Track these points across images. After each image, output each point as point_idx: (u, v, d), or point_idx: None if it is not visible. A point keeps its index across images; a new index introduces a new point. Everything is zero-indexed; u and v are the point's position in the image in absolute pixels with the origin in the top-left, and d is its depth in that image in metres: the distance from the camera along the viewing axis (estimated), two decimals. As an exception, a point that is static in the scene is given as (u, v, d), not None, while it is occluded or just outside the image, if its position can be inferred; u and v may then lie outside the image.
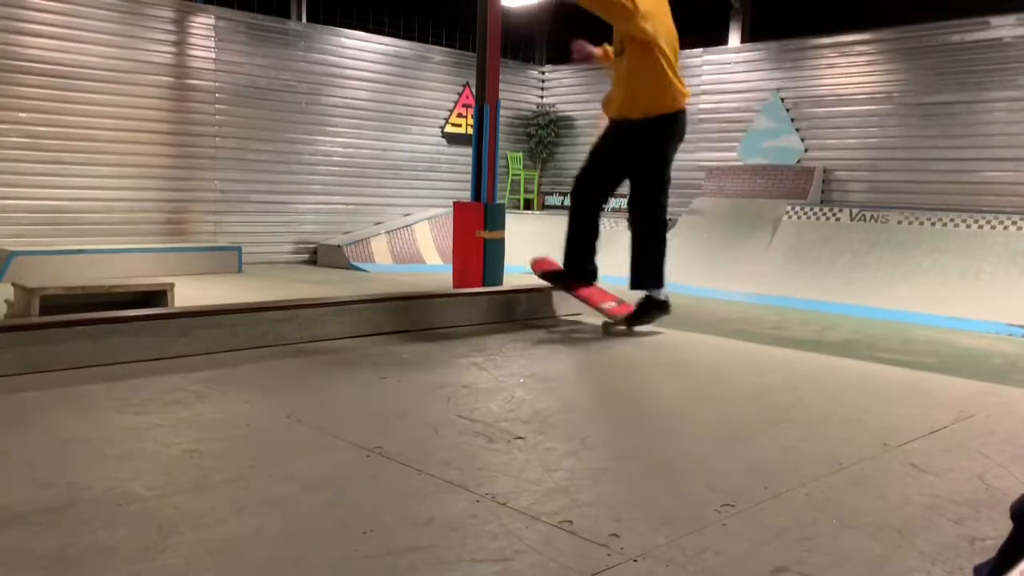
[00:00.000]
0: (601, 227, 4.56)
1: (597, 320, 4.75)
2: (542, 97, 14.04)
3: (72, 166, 9.06)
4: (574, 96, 13.66)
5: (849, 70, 10.69)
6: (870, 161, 10.52)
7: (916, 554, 1.67)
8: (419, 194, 12.24)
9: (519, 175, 13.33)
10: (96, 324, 3.15)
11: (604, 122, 4.55)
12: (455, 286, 7.48)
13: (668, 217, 4.44)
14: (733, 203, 11.07)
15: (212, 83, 10.10)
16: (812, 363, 3.82)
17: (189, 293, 6.42)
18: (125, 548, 1.58)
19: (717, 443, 2.39)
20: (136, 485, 1.90)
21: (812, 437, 2.49)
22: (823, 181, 10.88)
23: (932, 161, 10.01)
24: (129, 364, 3.12)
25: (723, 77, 11.98)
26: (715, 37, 12.40)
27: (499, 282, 7.31)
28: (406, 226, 11.63)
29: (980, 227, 8.54)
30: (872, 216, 9.40)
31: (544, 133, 13.61)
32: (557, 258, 4.69)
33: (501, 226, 7.72)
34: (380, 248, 11.16)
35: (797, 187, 10.80)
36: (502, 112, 8.26)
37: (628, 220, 4.40)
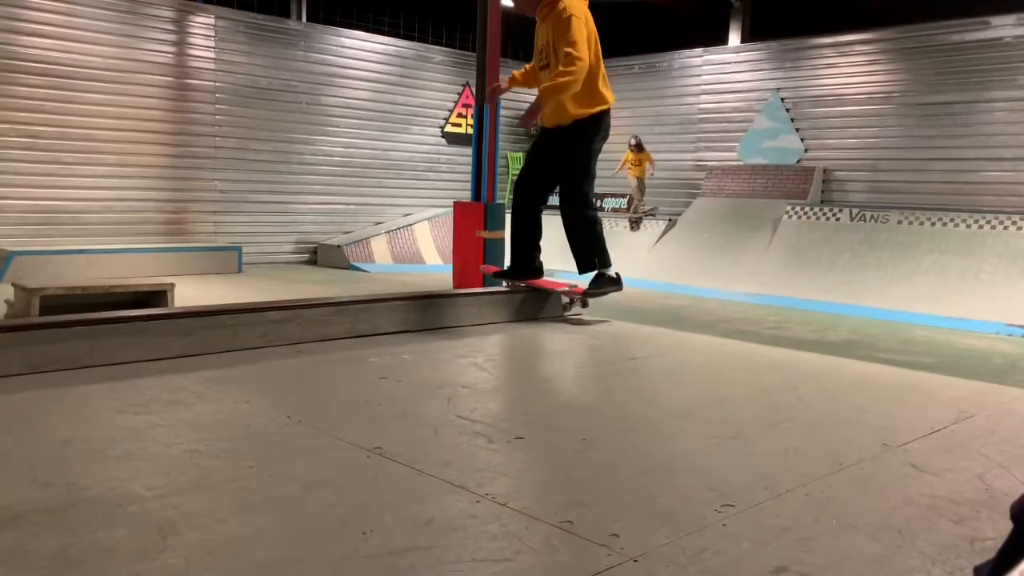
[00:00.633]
0: (543, 225, 4.88)
1: (598, 320, 4.75)
2: (542, 97, 14.02)
3: (72, 166, 9.06)
4: (574, 96, 13.65)
5: (849, 70, 10.70)
6: (870, 161, 10.52)
7: (916, 554, 1.67)
8: (419, 194, 12.24)
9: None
10: (96, 324, 3.15)
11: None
12: (455, 286, 7.48)
13: (595, 205, 4.94)
14: (733, 203, 11.07)
15: (212, 83, 10.10)
16: (812, 363, 3.82)
17: (189, 293, 6.42)
18: (125, 548, 1.58)
19: (717, 443, 2.39)
20: (136, 485, 1.90)
21: (812, 437, 2.49)
22: (823, 181, 10.88)
23: (932, 161, 10.01)
24: (129, 364, 3.12)
25: (723, 77, 11.98)
26: (715, 37, 12.41)
27: (499, 282, 7.31)
28: (406, 226, 11.63)
29: (980, 227, 8.54)
30: (872, 216, 9.40)
31: (544, 133, 13.59)
32: (555, 260, 4.75)
33: (501, 226, 7.71)
34: (380, 248, 11.16)
35: (797, 187, 10.80)
36: (502, 112, 8.26)
37: (562, 213, 4.72)
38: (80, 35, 9.02)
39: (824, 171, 10.89)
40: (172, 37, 9.75)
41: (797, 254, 9.63)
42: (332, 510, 1.80)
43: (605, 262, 4.68)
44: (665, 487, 2.01)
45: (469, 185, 8.48)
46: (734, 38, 12.13)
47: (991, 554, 1.23)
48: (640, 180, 11.78)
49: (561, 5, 4.39)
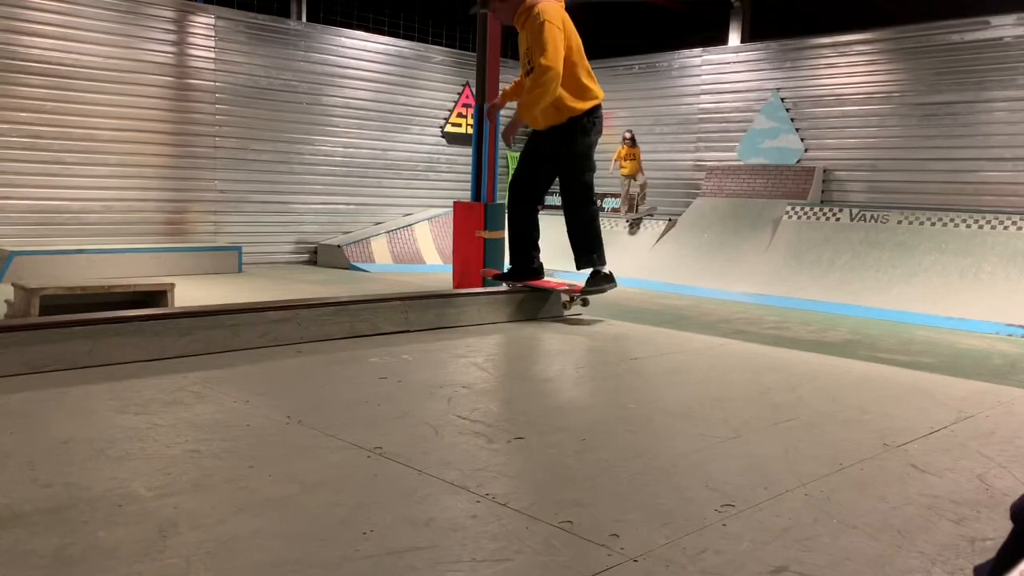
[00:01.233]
0: (541, 226, 4.91)
1: (598, 320, 4.75)
2: (542, 97, 14.03)
3: (72, 166, 9.06)
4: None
5: (849, 70, 10.70)
6: (870, 161, 10.52)
7: (916, 554, 1.67)
8: (419, 194, 12.24)
9: (519, 175, 13.33)
10: (96, 324, 3.15)
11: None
12: (455, 286, 7.48)
13: (596, 200, 4.97)
14: (733, 203, 11.07)
15: (212, 83, 10.10)
16: (812, 363, 3.82)
17: (189, 293, 6.42)
18: (125, 548, 1.58)
19: (717, 443, 2.39)
20: (136, 485, 1.90)
21: (812, 437, 2.49)
22: (823, 181, 10.88)
23: (932, 161, 10.01)
24: (129, 364, 3.12)
25: (723, 77, 11.98)
26: (715, 37, 12.41)
27: (499, 282, 7.30)
28: (406, 226, 11.63)
29: (980, 227, 8.54)
30: (872, 216, 9.40)
31: (544, 133, 13.59)
32: (555, 261, 4.75)
33: (501, 226, 7.71)
34: (380, 248, 11.16)
35: (797, 187, 10.80)
36: (502, 112, 8.25)
37: (564, 206, 4.76)
38: (80, 35, 9.02)
39: (824, 171, 10.90)
40: (172, 37, 9.75)
41: (797, 254, 9.63)
42: (332, 510, 1.80)
43: (601, 260, 4.72)
44: (665, 487, 2.01)
45: (469, 185, 8.48)
46: (734, 38, 12.14)
47: (991, 554, 1.23)
48: (636, 179, 11.79)
49: (536, 10, 4.42)
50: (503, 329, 4.37)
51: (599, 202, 12.64)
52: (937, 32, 9.94)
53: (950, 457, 2.31)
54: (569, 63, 4.44)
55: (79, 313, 3.42)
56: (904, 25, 10.28)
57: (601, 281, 4.73)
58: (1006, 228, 8.36)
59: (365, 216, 11.68)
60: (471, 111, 12.09)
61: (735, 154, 11.80)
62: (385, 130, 11.82)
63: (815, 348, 5.56)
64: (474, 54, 8.42)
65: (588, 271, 4.76)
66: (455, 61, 12.53)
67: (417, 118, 12.17)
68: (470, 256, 7.65)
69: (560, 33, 4.40)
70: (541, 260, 4.90)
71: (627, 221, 11.68)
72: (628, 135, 11.70)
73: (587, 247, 4.70)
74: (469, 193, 8.32)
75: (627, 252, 10.77)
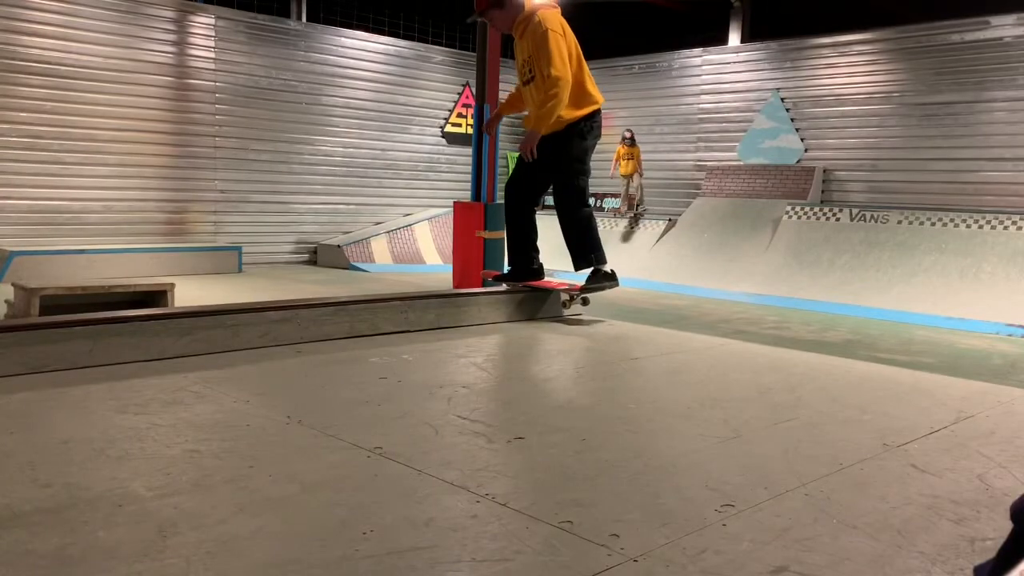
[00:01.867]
0: (539, 226, 4.90)
1: (598, 320, 4.75)
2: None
3: (72, 166, 9.06)
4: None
5: (849, 70, 10.70)
6: (870, 161, 10.52)
7: (916, 554, 1.67)
8: (419, 194, 12.24)
9: (519, 175, 13.34)
10: (96, 324, 3.15)
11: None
12: (455, 286, 7.48)
13: (590, 203, 4.91)
14: (733, 203, 11.07)
15: (212, 83, 10.10)
16: (812, 363, 3.82)
17: (189, 293, 6.42)
18: (125, 548, 1.58)
19: (717, 443, 2.39)
20: (136, 485, 1.90)
21: (812, 437, 2.49)
22: (823, 181, 10.88)
23: (932, 161, 10.01)
24: (129, 364, 3.12)
25: (723, 77, 11.99)
26: (715, 37, 12.41)
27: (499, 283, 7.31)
28: (406, 226, 11.63)
29: (980, 227, 8.54)
30: (872, 216, 9.40)
31: (544, 133, 13.59)
32: (555, 261, 4.75)
33: (501, 226, 7.71)
34: (380, 248, 11.16)
35: (797, 187, 10.80)
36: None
37: (557, 209, 4.75)
38: (80, 35, 9.02)
39: (824, 171, 10.89)
40: (172, 37, 9.75)
41: (797, 254, 9.63)
42: (332, 510, 1.80)
43: (601, 259, 4.71)
44: (665, 487, 2.01)
45: (469, 185, 8.48)
46: (734, 38, 12.13)
47: (991, 554, 1.23)
48: (633, 180, 11.79)
49: (536, 19, 4.41)
50: (503, 329, 4.37)
51: (599, 202, 12.65)
52: (937, 32, 9.94)
53: (950, 457, 2.31)
54: (577, 70, 4.45)
55: (79, 313, 3.42)
56: (904, 25, 10.28)
57: (601, 279, 4.73)
58: (1006, 228, 8.36)
59: (365, 216, 11.68)
60: (471, 111, 12.09)
61: (735, 154, 11.79)
62: (385, 130, 11.82)
63: (815, 348, 5.56)
64: (474, 54, 8.42)
65: (588, 271, 4.76)
66: (455, 61, 12.53)
67: (417, 118, 12.17)
68: (470, 256, 7.65)
69: (564, 40, 4.40)
70: (541, 260, 4.90)
71: (626, 219, 11.68)
72: (627, 135, 11.71)
73: (584, 248, 4.69)
74: (469, 193, 8.32)
75: (627, 252, 10.78)
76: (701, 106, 12.20)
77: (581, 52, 4.55)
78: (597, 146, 4.79)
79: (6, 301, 5.29)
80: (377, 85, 11.66)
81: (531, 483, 2.05)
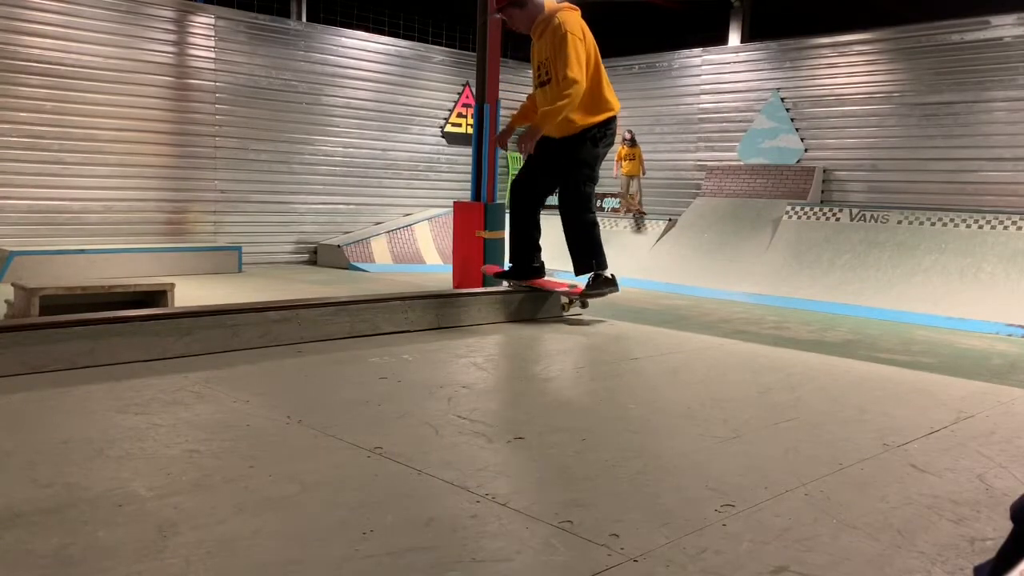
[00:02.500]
0: (542, 226, 4.89)
1: (598, 320, 4.75)
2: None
3: (72, 166, 9.06)
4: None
5: (849, 70, 10.70)
6: (870, 161, 10.53)
7: (916, 554, 1.67)
8: (419, 194, 12.24)
9: (519, 175, 13.34)
10: (96, 324, 3.15)
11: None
12: (455, 286, 7.48)
13: (595, 209, 4.88)
14: (733, 203, 11.07)
15: (212, 83, 10.10)
16: (812, 363, 3.82)
17: (189, 293, 6.42)
18: (125, 548, 1.58)
19: (717, 443, 2.39)
20: (136, 485, 1.90)
21: (812, 437, 2.49)
22: (823, 181, 10.88)
23: (932, 161, 10.01)
24: (129, 364, 3.12)
25: (723, 77, 11.99)
26: (715, 37, 12.41)
27: (499, 282, 7.31)
28: (406, 226, 11.63)
29: (980, 227, 8.54)
30: (872, 216, 9.40)
31: (544, 133, 13.59)
32: (555, 261, 4.74)
33: (501, 226, 7.71)
34: (380, 248, 11.16)
35: (797, 187, 10.80)
36: (502, 112, 8.26)
37: (561, 214, 4.73)
38: (80, 35, 9.02)
39: (824, 171, 10.90)
40: (172, 37, 9.75)
41: (797, 254, 9.63)
42: (332, 510, 1.80)
43: (602, 264, 4.70)
44: (665, 487, 2.01)
45: (469, 185, 8.48)
46: (734, 38, 12.14)
47: (991, 554, 1.23)
48: (636, 179, 11.79)
49: (556, 21, 4.36)
50: (503, 329, 4.37)
51: (599, 202, 12.65)
52: (937, 32, 9.94)
53: (950, 457, 2.31)
54: (595, 73, 4.41)
55: (79, 313, 3.42)
56: (904, 25, 10.28)
57: (602, 284, 4.72)
58: (1006, 228, 8.36)
59: (365, 216, 11.68)
60: (471, 111, 12.08)
61: (735, 154, 11.80)
62: (385, 130, 11.82)
63: (815, 348, 5.56)
64: (474, 54, 8.42)
65: (589, 274, 4.75)
66: (455, 61, 12.53)
67: (417, 118, 12.17)
68: (470, 256, 7.65)
69: (582, 45, 4.34)
70: (543, 259, 4.90)
71: (626, 219, 11.68)
72: (628, 135, 11.71)
73: (586, 253, 4.68)
74: (469, 193, 8.32)
75: (627, 252, 10.77)
76: (701, 106, 12.20)
77: (600, 57, 4.51)
78: (605, 156, 4.76)
79: (6, 301, 5.29)
80: (377, 85, 11.66)
81: (531, 483, 2.05)
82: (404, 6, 12.70)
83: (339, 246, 10.77)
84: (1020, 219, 8.32)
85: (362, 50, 11.53)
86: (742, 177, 11.40)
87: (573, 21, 4.39)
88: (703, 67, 12.20)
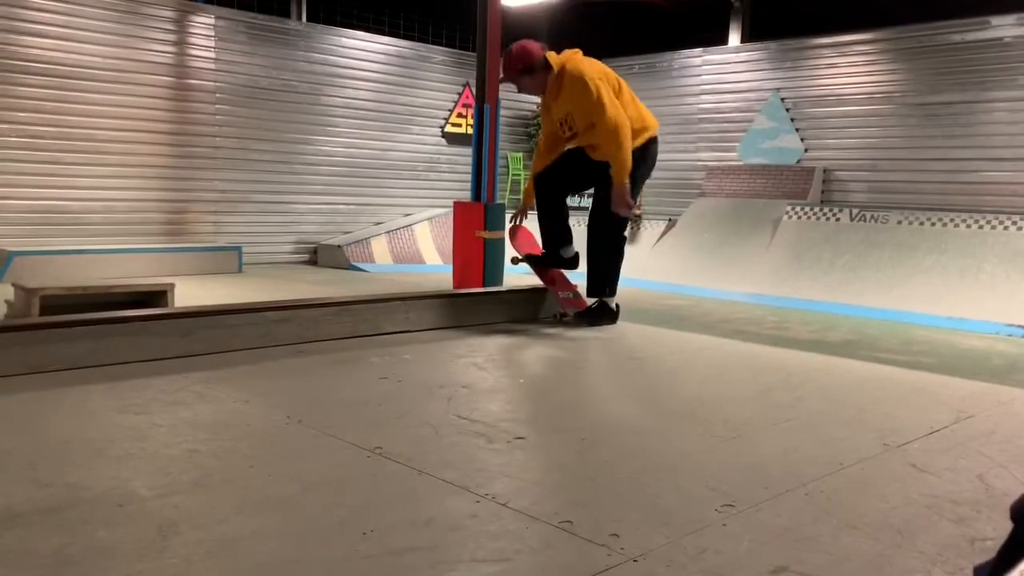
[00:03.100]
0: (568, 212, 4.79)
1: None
2: (542, 97, 14.03)
3: (72, 166, 9.06)
4: (574, 96, 13.65)
5: (849, 70, 10.69)
6: (870, 161, 10.52)
7: (916, 554, 1.67)
8: (419, 194, 12.24)
9: (519, 175, 13.34)
10: (97, 324, 3.15)
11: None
12: (455, 286, 7.48)
13: (626, 236, 4.81)
14: (733, 203, 11.07)
15: (212, 83, 10.10)
16: (812, 363, 3.82)
17: (189, 293, 6.42)
18: (125, 548, 1.58)
19: (717, 443, 2.39)
20: (136, 485, 1.90)
21: (812, 437, 2.49)
22: (823, 181, 10.88)
23: (932, 161, 10.01)
24: (130, 364, 3.12)
25: (723, 77, 11.98)
26: (715, 37, 12.41)
27: (499, 282, 7.29)
28: (406, 226, 11.63)
29: (980, 227, 8.54)
30: (872, 216, 9.40)
31: (544, 133, 13.60)
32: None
33: (501, 226, 7.71)
34: (380, 248, 11.16)
35: (797, 187, 10.80)
36: (502, 112, 8.25)
37: (588, 229, 4.62)
38: (80, 35, 9.02)
39: (824, 171, 10.89)
40: (172, 37, 9.75)
41: (797, 254, 9.63)
42: (332, 510, 1.80)
43: (612, 291, 4.67)
44: (665, 487, 2.01)
45: (469, 185, 8.47)
46: (734, 38, 12.13)
47: (991, 554, 1.23)
48: None
49: (569, 74, 4.29)
50: (503, 329, 4.37)
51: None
52: (937, 32, 9.94)
53: (950, 457, 2.31)
54: (626, 101, 4.38)
55: (80, 313, 3.42)
56: (904, 25, 10.27)
57: (603, 316, 4.65)
58: (1006, 228, 8.36)
59: (365, 216, 11.68)
60: (471, 111, 12.08)
61: (735, 154, 11.79)
62: (385, 130, 11.82)
63: (815, 348, 5.55)
64: (474, 54, 8.42)
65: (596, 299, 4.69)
66: (455, 61, 12.53)
67: (417, 118, 12.16)
68: (470, 256, 7.64)
69: (604, 83, 4.27)
70: (577, 251, 4.76)
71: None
72: None
73: (603, 279, 4.62)
74: (469, 193, 8.31)
75: (627, 252, 10.75)
76: (701, 106, 12.19)
77: (623, 82, 4.46)
78: (649, 177, 4.70)
79: (6, 301, 5.29)
80: (377, 85, 11.66)
81: (531, 483, 2.05)
82: (404, 6, 12.70)
83: (339, 246, 10.77)
84: (1021, 219, 8.32)
85: (362, 50, 11.53)
86: (742, 177, 11.40)
87: (586, 64, 4.31)
88: (703, 67, 12.19)
